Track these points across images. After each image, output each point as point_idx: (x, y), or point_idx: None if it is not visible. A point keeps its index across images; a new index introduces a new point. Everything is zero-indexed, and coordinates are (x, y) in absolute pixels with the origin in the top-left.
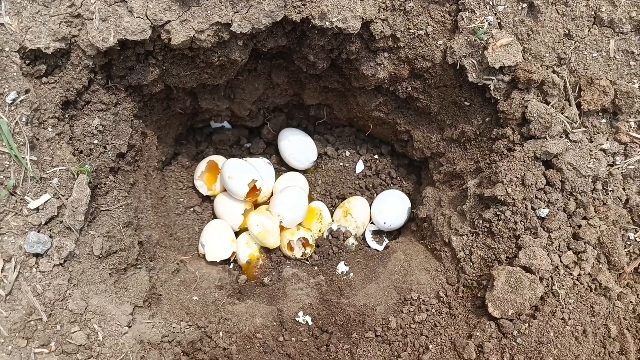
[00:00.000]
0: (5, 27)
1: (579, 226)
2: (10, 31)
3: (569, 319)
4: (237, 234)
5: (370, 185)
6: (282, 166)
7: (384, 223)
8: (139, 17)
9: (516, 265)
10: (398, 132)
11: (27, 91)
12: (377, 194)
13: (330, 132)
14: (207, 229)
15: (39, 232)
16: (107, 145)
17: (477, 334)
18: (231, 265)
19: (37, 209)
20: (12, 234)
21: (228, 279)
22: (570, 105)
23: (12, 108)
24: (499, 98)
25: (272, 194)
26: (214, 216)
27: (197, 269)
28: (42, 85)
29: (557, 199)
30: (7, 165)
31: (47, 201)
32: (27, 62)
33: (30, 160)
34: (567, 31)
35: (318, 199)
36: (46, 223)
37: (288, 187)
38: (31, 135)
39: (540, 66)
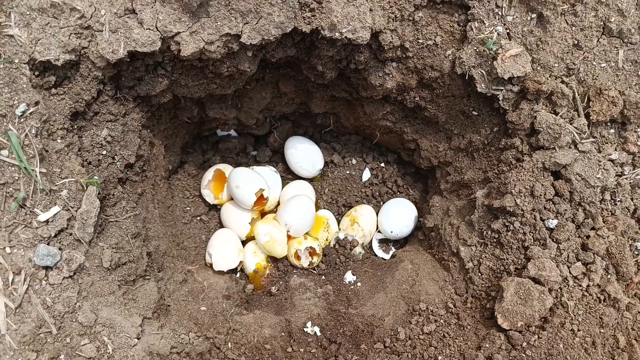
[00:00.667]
0: (15, 39)
1: (588, 237)
2: (20, 43)
3: (578, 330)
4: (243, 243)
5: (377, 193)
6: (288, 174)
7: (391, 232)
8: (149, 29)
9: (525, 276)
10: (405, 140)
11: (36, 103)
12: (383, 202)
13: (337, 141)
14: (215, 238)
15: (48, 244)
16: (115, 156)
17: (487, 345)
18: (238, 275)
19: (47, 221)
20: (21, 247)
21: (235, 288)
22: (579, 115)
23: (22, 120)
24: (507, 108)
25: (278, 203)
26: (221, 225)
27: (205, 279)
28: (51, 96)
29: (566, 210)
30: (16, 178)
31: (56, 213)
32: (37, 73)
33: (39, 172)
34: (576, 41)
35: (324, 207)
36: (56, 235)
37: (295, 196)
38: (40, 147)
39: (549, 77)
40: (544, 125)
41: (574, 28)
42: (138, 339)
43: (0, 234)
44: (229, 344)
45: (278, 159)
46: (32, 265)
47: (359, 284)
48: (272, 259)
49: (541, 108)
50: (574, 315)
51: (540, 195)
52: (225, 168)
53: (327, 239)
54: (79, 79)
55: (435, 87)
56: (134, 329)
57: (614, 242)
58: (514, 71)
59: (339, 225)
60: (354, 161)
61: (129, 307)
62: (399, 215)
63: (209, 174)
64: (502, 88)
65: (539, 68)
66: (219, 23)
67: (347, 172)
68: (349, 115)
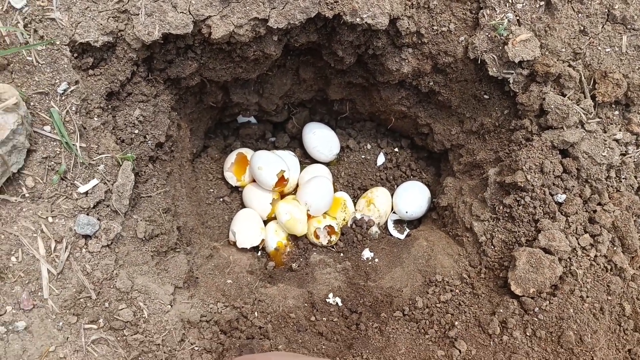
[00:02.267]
0: (57, 22)
1: (594, 211)
2: (61, 26)
3: (587, 297)
4: (265, 222)
5: (391, 176)
6: (306, 159)
7: (406, 212)
8: (182, 12)
9: (536, 246)
10: (419, 125)
11: (76, 82)
12: (397, 186)
13: (352, 127)
14: (238, 217)
15: (88, 214)
16: (147, 135)
17: (500, 310)
18: (259, 253)
19: (86, 193)
20: (62, 217)
21: (258, 265)
22: (585, 97)
23: (63, 98)
24: (517, 91)
25: (297, 185)
26: (243, 206)
27: (229, 255)
28: (89, 77)
29: (574, 186)
30: (58, 152)
31: (95, 186)
32: (76, 55)
33: (79, 147)
34: (582, 27)
35: (341, 190)
36: (94, 206)
37: (315, 177)
38: (80, 124)
39: (557, 60)
40: (552, 106)
41: (580, 15)
42: (171, 305)
43: (43, 205)
44: (256, 312)
45: (296, 145)
46: (72, 234)
47: (376, 260)
48: (292, 238)
49: (550, 90)
50: (583, 283)
51: (550, 171)
52: (247, 152)
53: (344, 219)
54: (114, 60)
55: (448, 72)
56: (167, 297)
57: (620, 216)
58: (524, 55)
59: (355, 206)
60: (368, 146)
61: (161, 276)
62: (413, 197)
63: (232, 157)
64: (512, 71)
65: (547, 52)
66: (247, 7)
67: (362, 156)
68: (364, 101)
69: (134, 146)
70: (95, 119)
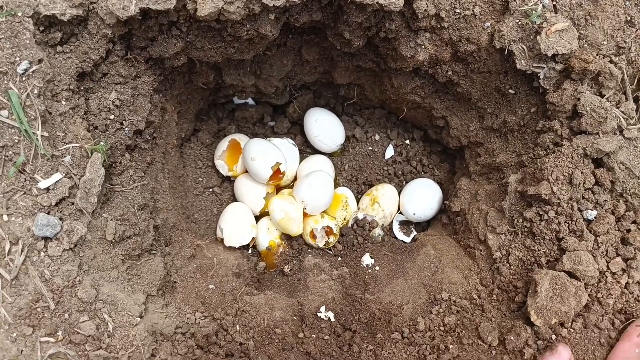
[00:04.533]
0: None
1: (629, 231)
2: None
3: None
4: (257, 218)
5: (400, 172)
6: (307, 148)
7: (414, 214)
8: None
9: (559, 269)
10: (434, 117)
11: (40, 61)
12: (406, 182)
13: (360, 114)
14: (227, 212)
15: (48, 213)
16: (124, 121)
17: (511, 338)
18: (250, 251)
19: (48, 189)
20: (20, 215)
21: (246, 265)
22: (627, 99)
23: (24, 79)
24: (548, 88)
25: (295, 178)
26: (234, 198)
27: (215, 255)
28: (57, 54)
29: (606, 200)
30: (16, 141)
31: (58, 181)
32: (41, 29)
33: (41, 136)
34: (628, 17)
35: (343, 185)
36: (56, 204)
37: (313, 171)
38: (43, 109)
39: (597, 55)
40: (587, 108)
41: (627, 2)
42: (141, 317)
43: None
44: (237, 326)
45: (297, 131)
46: (30, 235)
47: (377, 267)
48: (286, 237)
49: (586, 89)
50: (613, 314)
51: (579, 183)
52: (241, 138)
53: (345, 219)
54: (86, 36)
55: (470, 62)
56: (136, 307)
57: None
58: (559, 47)
59: (358, 204)
60: (377, 137)
61: (132, 283)
62: (423, 197)
63: (224, 143)
64: (544, 65)
65: (586, 45)
66: None
67: (369, 148)
68: (374, 88)
69: (108, 134)
70: (63, 102)
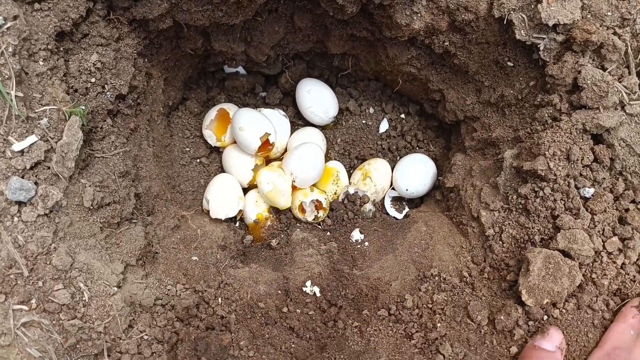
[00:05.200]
0: None
1: (627, 210)
2: None
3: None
4: (245, 190)
5: (394, 147)
6: (298, 120)
7: (406, 190)
8: None
9: (553, 248)
10: (430, 90)
11: (15, 17)
12: (400, 157)
13: (354, 86)
14: (214, 183)
15: (22, 177)
16: (105, 85)
17: (501, 317)
18: (237, 224)
19: (22, 151)
20: None
21: (233, 238)
22: (629, 73)
23: None
24: (548, 60)
25: (285, 150)
26: (222, 170)
27: (200, 226)
28: (34, 12)
29: (604, 178)
30: None
31: (33, 143)
32: None
33: (15, 96)
34: None
35: (335, 159)
36: (31, 168)
37: (304, 143)
38: (18, 68)
39: (600, 26)
40: (588, 82)
41: None
42: (118, 287)
43: None
44: (219, 299)
45: (288, 103)
46: (3, 199)
47: (366, 243)
48: (274, 210)
49: (587, 62)
50: (608, 294)
51: (577, 160)
52: (230, 108)
53: (335, 193)
54: None
55: (467, 32)
56: (114, 277)
57: None
58: (561, 17)
59: (349, 179)
60: (371, 110)
61: (110, 252)
62: (417, 172)
63: (212, 113)
64: (544, 36)
65: (589, 16)
66: None
67: (363, 121)
68: (369, 58)
69: (89, 97)
70: (41, 62)
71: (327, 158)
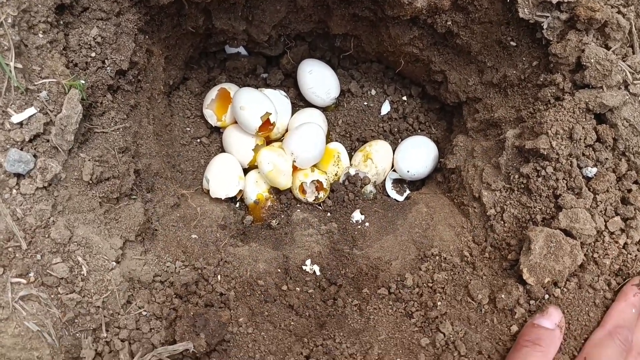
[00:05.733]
0: None
1: (629, 190)
2: None
3: (610, 290)
4: (245, 170)
5: (396, 129)
6: (300, 101)
7: (408, 172)
8: None
9: (555, 227)
10: (432, 71)
11: None
12: (402, 140)
13: (356, 68)
14: (214, 162)
15: (21, 149)
16: (105, 60)
17: (502, 296)
18: (237, 204)
19: (21, 123)
20: None
21: (233, 218)
22: (634, 52)
23: None
24: (551, 39)
25: (286, 131)
26: (222, 149)
27: (199, 205)
28: None
29: (607, 158)
30: None
31: (32, 116)
32: None
33: (15, 67)
34: None
35: (337, 141)
36: (30, 140)
37: (305, 123)
38: (18, 40)
39: (605, 4)
40: (592, 60)
41: None
42: (117, 262)
43: None
44: (218, 276)
45: (290, 84)
46: (2, 172)
47: (366, 224)
48: (274, 190)
49: (591, 40)
50: (609, 274)
51: (580, 139)
52: (231, 87)
53: (336, 174)
54: None
55: (470, 11)
56: (113, 252)
57: None
58: None
59: (350, 160)
60: (373, 92)
61: (109, 227)
62: (418, 155)
63: (213, 92)
64: (548, 15)
65: None
66: None
67: (365, 103)
68: (371, 39)
69: (89, 72)
70: (41, 35)
71: (329, 139)
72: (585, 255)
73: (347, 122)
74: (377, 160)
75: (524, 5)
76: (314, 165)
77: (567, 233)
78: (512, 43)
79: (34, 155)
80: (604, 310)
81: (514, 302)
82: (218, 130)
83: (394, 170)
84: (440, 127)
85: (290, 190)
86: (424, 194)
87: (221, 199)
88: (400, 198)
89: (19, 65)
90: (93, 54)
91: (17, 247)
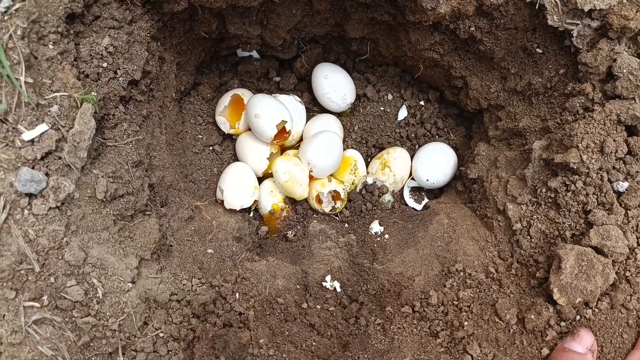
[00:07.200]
0: None
1: None
2: None
3: None
4: (260, 179)
5: (413, 135)
6: (314, 106)
7: (427, 180)
8: None
9: (585, 245)
10: (452, 77)
11: None
12: (419, 146)
13: (372, 71)
14: (227, 172)
15: (33, 168)
16: (118, 70)
17: (532, 317)
18: (251, 215)
19: (32, 141)
20: (1, 169)
21: (247, 229)
22: None
23: (6, 18)
24: (581, 47)
25: (301, 138)
26: (236, 158)
27: (214, 217)
28: None
29: (638, 172)
30: None
31: (44, 132)
32: None
33: (25, 82)
34: None
35: (353, 147)
36: (42, 158)
37: (321, 131)
38: (27, 52)
39: (638, 12)
40: (624, 70)
41: None
42: (133, 282)
43: None
44: (237, 294)
45: (304, 88)
46: (13, 191)
47: (386, 236)
48: (290, 200)
49: (624, 50)
50: None
51: (611, 152)
52: (244, 93)
53: (353, 183)
54: None
55: (495, 17)
56: (128, 272)
57: None
58: (597, 2)
59: (367, 168)
60: (389, 96)
61: (124, 245)
62: (437, 162)
63: (226, 99)
64: (578, 22)
65: (625, 1)
66: None
67: (381, 108)
68: (389, 43)
69: (101, 83)
70: (51, 46)
71: (344, 146)
72: (617, 273)
73: (363, 128)
74: (395, 168)
75: (553, 12)
76: (331, 175)
77: (599, 251)
78: (539, 50)
79: (46, 174)
80: (639, 332)
81: (545, 323)
82: (230, 138)
83: (412, 179)
84: (459, 133)
85: (306, 200)
86: (443, 203)
87: (236, 210)
88: (419, 207)
89: (29, 80)
90: (105, 64)
91: (30, 270)
